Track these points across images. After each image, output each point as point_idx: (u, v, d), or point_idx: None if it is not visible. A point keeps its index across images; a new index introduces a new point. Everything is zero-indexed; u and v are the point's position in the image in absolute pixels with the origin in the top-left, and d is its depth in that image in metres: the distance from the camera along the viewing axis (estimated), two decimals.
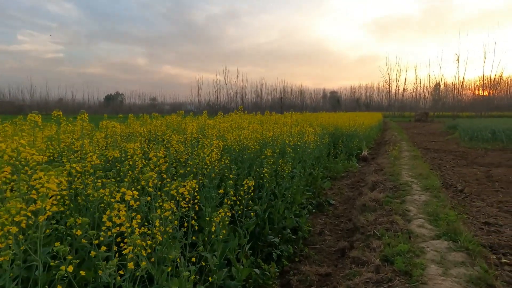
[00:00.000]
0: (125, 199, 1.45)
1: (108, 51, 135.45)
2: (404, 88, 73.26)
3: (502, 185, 7.36)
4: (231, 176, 3.13)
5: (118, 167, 3.01)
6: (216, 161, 3.29)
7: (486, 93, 58.49)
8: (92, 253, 1.53)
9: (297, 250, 4.52)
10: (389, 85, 73.30)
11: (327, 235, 5.26)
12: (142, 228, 1.71)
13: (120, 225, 1.48)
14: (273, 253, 3.87)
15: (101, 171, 2.39)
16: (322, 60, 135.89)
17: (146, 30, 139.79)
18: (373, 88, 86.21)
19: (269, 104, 70.48)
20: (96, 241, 1.56)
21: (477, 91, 64.99)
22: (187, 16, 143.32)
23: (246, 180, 2.94)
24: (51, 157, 2.97)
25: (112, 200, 1.58)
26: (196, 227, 2.39)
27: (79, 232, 1.44)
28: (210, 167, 3.23)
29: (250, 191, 2.95)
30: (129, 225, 1.43)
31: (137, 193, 1.55)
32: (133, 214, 1.49)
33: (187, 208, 2.25)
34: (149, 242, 1.63)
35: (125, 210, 1.51)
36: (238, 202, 3.01)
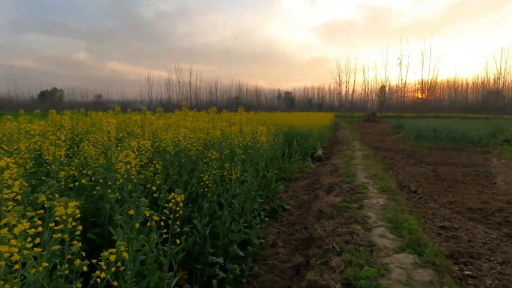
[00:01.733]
0: None
1: (40, 43, 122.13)
2: (353, 89, 76.88)
3: (450, 184, 7.44)
4: (153, 188, 2.35)
5: None
6: (136, 167, 2.48)
7: (424, 95, 63.52)
8: None
9: (245, 269, 3.85)
10: (339, 86, 76.43)
11: (281, 247, 4.68)
12: None
13: None
14: (213, 280, 3.15)
15: None
16: (276, 61, 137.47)
17: (87, 24, 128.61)
18: (325, 89, 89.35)
19: (225, 104, 69.41)
20: None
21: (416, 94, 70.42)
22: (134, 12, 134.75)
23: (173, 194, 2.19)
24: None
25: None
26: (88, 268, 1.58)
27: None
28: (125, 175, 2.41)
29: (178, 208, 2.21)
30: None
31: None
32: None
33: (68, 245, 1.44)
34: None
35: None
36: (162, 223, 2.25)
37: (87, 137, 3.51)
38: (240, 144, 4.62)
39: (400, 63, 64.34)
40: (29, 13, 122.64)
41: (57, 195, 1.69)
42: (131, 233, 2.17)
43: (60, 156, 2.92)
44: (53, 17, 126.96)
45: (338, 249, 3.42)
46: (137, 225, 1.90)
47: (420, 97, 67.74)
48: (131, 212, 1.88)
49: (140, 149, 3.08)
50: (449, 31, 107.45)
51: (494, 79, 63.53)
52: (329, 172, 8.36)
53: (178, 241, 2.18)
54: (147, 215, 1.96)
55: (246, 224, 4.30)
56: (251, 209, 4.73)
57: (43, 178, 2.25)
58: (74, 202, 1.39)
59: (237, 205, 3.87)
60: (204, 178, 3.35)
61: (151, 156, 3.35)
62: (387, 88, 72.76)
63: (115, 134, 2.83)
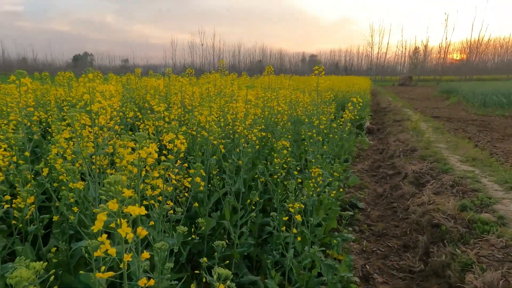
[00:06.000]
0: None
1: (74, 5, 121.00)
2: (386, 51, 71.28)
3: None
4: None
5: None
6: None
7: (465, 56, 57.38)
8: None
9: None
10: (371, 48, 70.98)
11: (380, 284, 3.05)
12: None
13: None
14: None
15: None
16: (301, 22, 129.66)
17: None
18: (353, 53, 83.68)
19: (247, 68, 66.61)
20: None
21: (457, 55, 64.29)
22: None
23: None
24: None
25: None
26: None
27: None
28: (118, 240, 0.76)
29: None
30: None
31: None
32: None
33: None
34: None
35: None
36: None
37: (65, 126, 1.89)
38: (320, 126, 2.86)
39: (447, 19, 57.89)
40: None
41: None
42: None
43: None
44: None
45: None
46: None
47: (459, 58, 61.70)
48: None
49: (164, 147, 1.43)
50: None
51: None
52: (401, 153, 6.50)
53: None
54: None
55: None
56: (333, 225, 3.07)
57: None
58: None
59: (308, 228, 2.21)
60: (273, 215, 1.67)
61: (181, 161, 1.69)
62: (421, 50, 66.84)
63: (119, 115, 1.18)
